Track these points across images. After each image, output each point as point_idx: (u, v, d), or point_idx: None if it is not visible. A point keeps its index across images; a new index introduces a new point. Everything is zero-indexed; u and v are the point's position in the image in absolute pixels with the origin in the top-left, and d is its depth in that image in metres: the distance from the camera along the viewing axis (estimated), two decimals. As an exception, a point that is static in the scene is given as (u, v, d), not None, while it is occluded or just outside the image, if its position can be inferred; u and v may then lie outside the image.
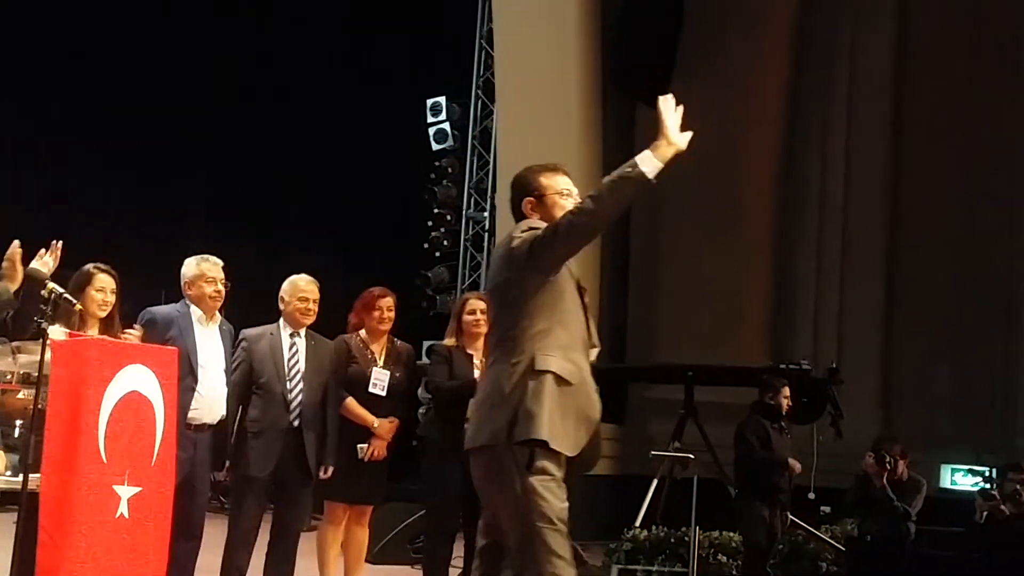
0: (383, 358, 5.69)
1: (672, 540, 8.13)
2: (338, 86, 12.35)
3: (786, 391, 7.41)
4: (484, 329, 5.31)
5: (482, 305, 5.45)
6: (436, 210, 12.45)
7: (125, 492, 4.06)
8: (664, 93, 3.56)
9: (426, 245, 12.38)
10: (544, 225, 3.43)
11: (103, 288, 4.37)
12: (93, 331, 4.33)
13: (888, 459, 7.43)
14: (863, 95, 12.36)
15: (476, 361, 5.52)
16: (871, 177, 12.22)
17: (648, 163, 3.34)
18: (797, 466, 7.27)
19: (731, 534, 8.11)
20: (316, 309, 5.34)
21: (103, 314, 4.38)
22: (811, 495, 8.42)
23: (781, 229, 12.51)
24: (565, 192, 3.57)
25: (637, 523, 8.55)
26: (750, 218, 12.29)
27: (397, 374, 5.68)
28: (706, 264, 11.94)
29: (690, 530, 7.89)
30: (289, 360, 5.25)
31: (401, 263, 11.87)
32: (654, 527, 8.40)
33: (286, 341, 5.29)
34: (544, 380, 3.29)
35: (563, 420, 3.29)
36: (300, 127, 12.16)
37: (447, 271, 12.40)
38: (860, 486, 7.70)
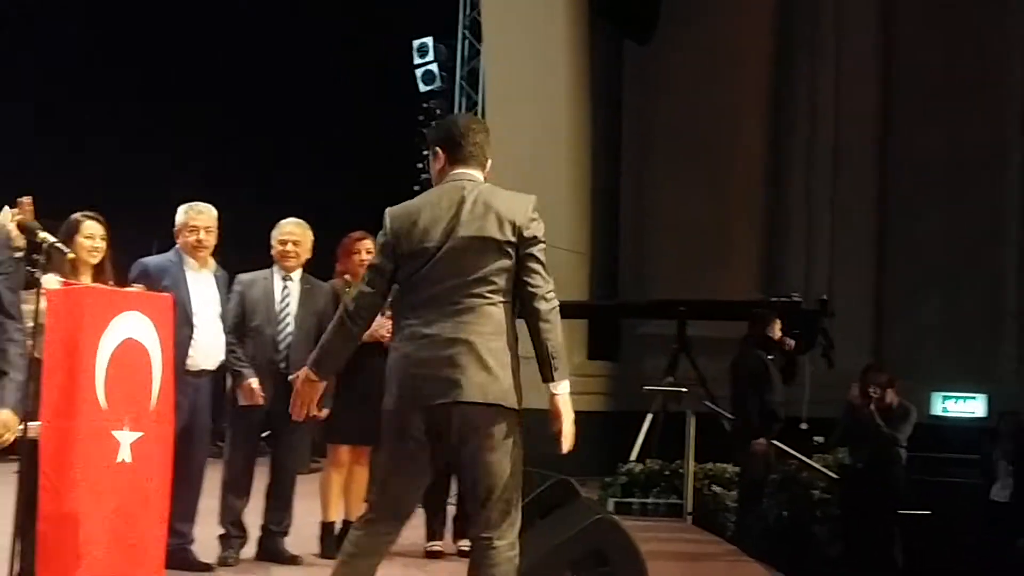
0: None
1: (667, 473, 8.26)
2: (326, 29, 12.26)
3: (778, 324, 7.47)
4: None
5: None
6: (425, 152, 12.42)
7: (125, 437, 4.09)
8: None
9: (416, 187, 12.37)
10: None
11: (92, 235, 4.38)
12: (86, 279, 4.34)
13: (872, 389, 7.53)
14: (851, 25, 12.32)
15: None
16: (861, 107, 12.21)
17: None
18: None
19: (725, 465, 8.23)
20: (299, 252, 5.32)
21: (94, 261, 4.39)
22: (803, 425, 8.55)
23: (771, 163, 12.52)
24: None
25: (632, 457, 8.67)
26: (740, 153, 12.29)
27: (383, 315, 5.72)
28: (696, 200, 11.95)
29: (684, 463, 8.01)
30: (280, 303, 5.28)
31: (392, 205, 11.83)
32: (648, 460, 8.51)
33: (278, 285, 5.31)
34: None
35: None
36: (291, 71, 12.09)
37: (438, 213, 12.39)
38: (848, 415, 7.81)
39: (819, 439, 8.62)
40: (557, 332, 3.25)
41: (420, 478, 3.32)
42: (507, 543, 3.26)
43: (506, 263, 3.22)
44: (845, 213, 12.24)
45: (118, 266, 4.61)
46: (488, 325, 3.21)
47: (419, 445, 3.22)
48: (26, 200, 4.30)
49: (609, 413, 11.31)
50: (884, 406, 7.61)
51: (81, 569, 3.90)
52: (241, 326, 5.21)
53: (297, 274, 5.36)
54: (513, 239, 3.23)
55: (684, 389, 8.64)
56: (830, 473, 8.32)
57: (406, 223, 3.29)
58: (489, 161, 3.46)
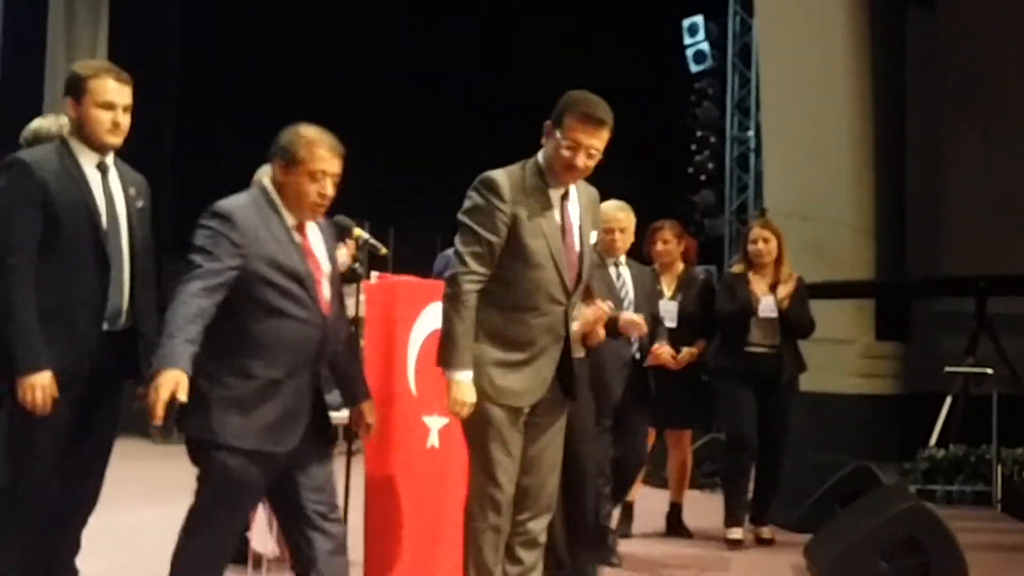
0: (671, 289, 5.89)
1: (972, 459, 7.81)
2: (594, 15, 12.30)
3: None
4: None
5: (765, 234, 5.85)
6: (699, 133, 12.27)
7: (435, 423, 4.27)
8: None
9: (691, 169, 12.24)
10: None
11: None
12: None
13: None
14: None
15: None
16: None
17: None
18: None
19: (1037, 451, 7.69)
20: (625, 238, 5.31)
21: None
22: None
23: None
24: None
25: (932, 442, 8.25)
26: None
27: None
28: (993, 165, 11.17)
29: (990, 448, 7.56)
30: (618, 290, 5.28)
31: (667, 189, 11.79)
32: (951, 446, 8.08)
33: (611, 271, 5.31)
34: None
35: None
36: (561, 61, 12.22)
37: (713, 194, 12.22)
38: None
39: None
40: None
41: None
42: None
43: None
44: None
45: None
46: None
47: None
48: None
49: (901, 396, 10.80)
50: None
51: (403, 553, 4.10)
52: None
53: (623, 259, 5.29)
54: None
55: (989, 370, 8.13)
56: None
57: None
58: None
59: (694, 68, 12.30)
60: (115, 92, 3.42)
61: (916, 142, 12.04)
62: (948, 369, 8.51)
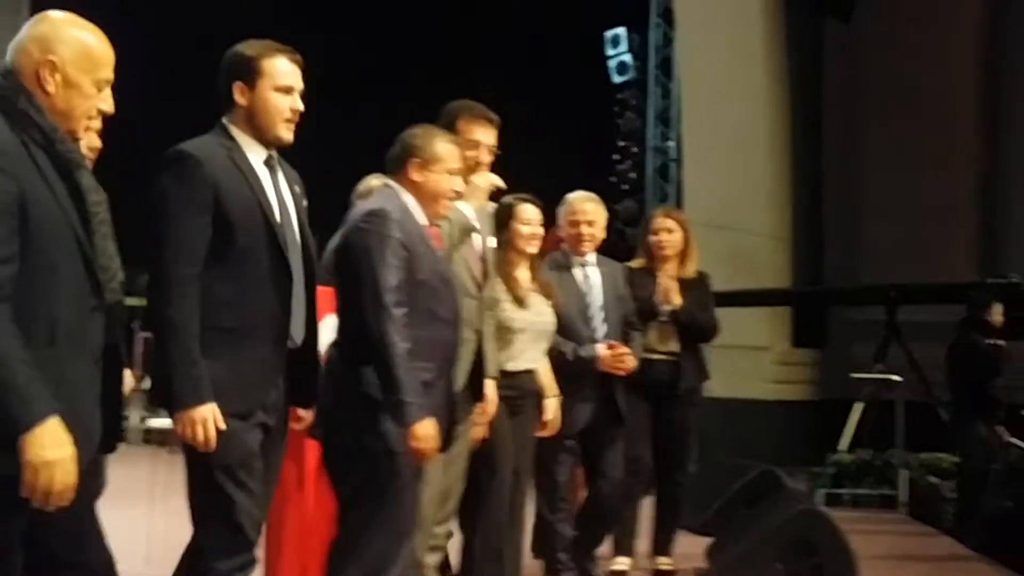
0: None
1: (879, 463, 7.99)
2: (516, 25, 12.38)
3: (998, 307, 7.10)
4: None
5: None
6: (621, 143, 12.43)
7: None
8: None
9: (613, 179, 12.38)
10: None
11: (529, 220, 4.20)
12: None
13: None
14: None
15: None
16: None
17: (464, 209, 3.54)
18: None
19: (942, 455, 7.89)
20: (595, 233, 4.73)
21: (532, 250, 4.20)
22: (1027, 412, 8.09)
23: (988, 135, 11.85)
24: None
25: (842, 447, 8.43)
26: (953, 126, 11.66)
27: None
28: (906, 178, 11.43)
29: (897, 452, 7.74)
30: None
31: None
32: (859, 450, 8.26)
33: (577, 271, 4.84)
34: None
35: None
36: (482, 69, 12.28)
37: (635, 204, 12.37)
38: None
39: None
40: None
41: None
42: None
43: None
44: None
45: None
46: None
47: None
48: None
49: (815, 402, 11.02)
50: (1117, 391, 7.12)
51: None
52: None
53: (592, 258, 4.70)
54: None
55: (896, 377, 8.33)
56: (1059, 462, 7.84)
57: None
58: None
59: (616, 79, 12.47)
60: (293, 75, 2.93)
61: (833, 152, 12.28)
62: (854, 376, 8.71)
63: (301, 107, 2.91)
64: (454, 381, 3.30)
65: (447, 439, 3.22)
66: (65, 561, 2.41)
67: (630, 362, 4.48)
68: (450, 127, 3.60)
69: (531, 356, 4.05)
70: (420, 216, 3.21)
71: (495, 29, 12.45)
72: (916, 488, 7.71)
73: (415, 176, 3.20)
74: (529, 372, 4.05)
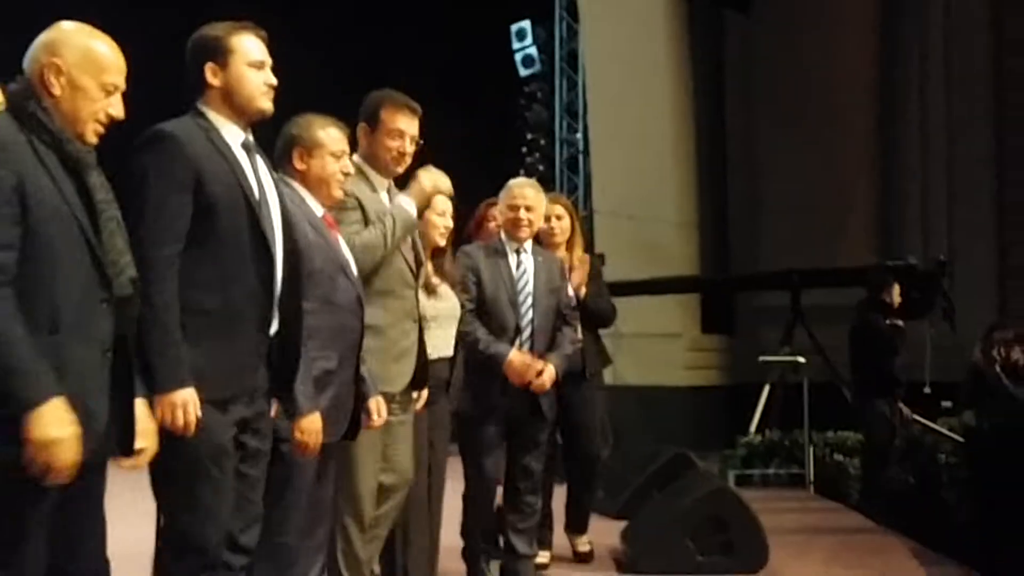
0: None
1: (787, 443, 8.19)
2: (422, 17, 12.36)
3: (896, 288, 7.31)
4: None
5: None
6: (529, 136, 12.50)
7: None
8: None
9: (522, 171, 12.44)
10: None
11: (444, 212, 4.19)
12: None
13: (997, 349, 7.29)
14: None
15: None
16: (974, 64, 11.81)
17: (407, 206, 3.56)
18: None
19: (847, 434, 8.12)
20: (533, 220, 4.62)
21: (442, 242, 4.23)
22: (927, 389, 8.36)
23: (884, 123, 12.20)
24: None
25: (751, 429, 8.62)
26: (850, 116, 12.00)
27: None
28: (807, 166, 11.73)
29: (803, 432, 7.94)
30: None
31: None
32: (768, 432, 8.45)
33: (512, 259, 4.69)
34: None
35: None
36: (387, 60, 12.23)
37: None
38: (973, 377, 7.58)
39: (947, 403, 8.42)
40: None
41: None
42: None
43: None
44: (962, 171, 11.86)
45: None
46: None
47: None
48: None
49: (726, 387, 11.25)
50: (1011, 365, 7.36)
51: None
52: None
53: (528, 246, 4.60)
54: None
55: (801, 359, 8.54)
56: (956, 437, 8.11)
57: None
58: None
59: (523, 72, 12.53)
60: (262, 50, 2.90)
61: (735, 142, 12.55)
62: (763, 359, 8.90)
63: (274, 81, 2.88)
64: (361, 368, 3.28)
65: (353, 428, 3.24)
66: (57, 569, 2.34)
67: (539, 384, 4.32)
68: (373, 117, 3.61)
69: (443, 344, 4.08)
70: (314, 205, 3.23)
71: (401, 23, 12.42)
72: (823, 466, 7.93)
73: (299, 165, 3.22)
74: (443, 360, 4.07)
